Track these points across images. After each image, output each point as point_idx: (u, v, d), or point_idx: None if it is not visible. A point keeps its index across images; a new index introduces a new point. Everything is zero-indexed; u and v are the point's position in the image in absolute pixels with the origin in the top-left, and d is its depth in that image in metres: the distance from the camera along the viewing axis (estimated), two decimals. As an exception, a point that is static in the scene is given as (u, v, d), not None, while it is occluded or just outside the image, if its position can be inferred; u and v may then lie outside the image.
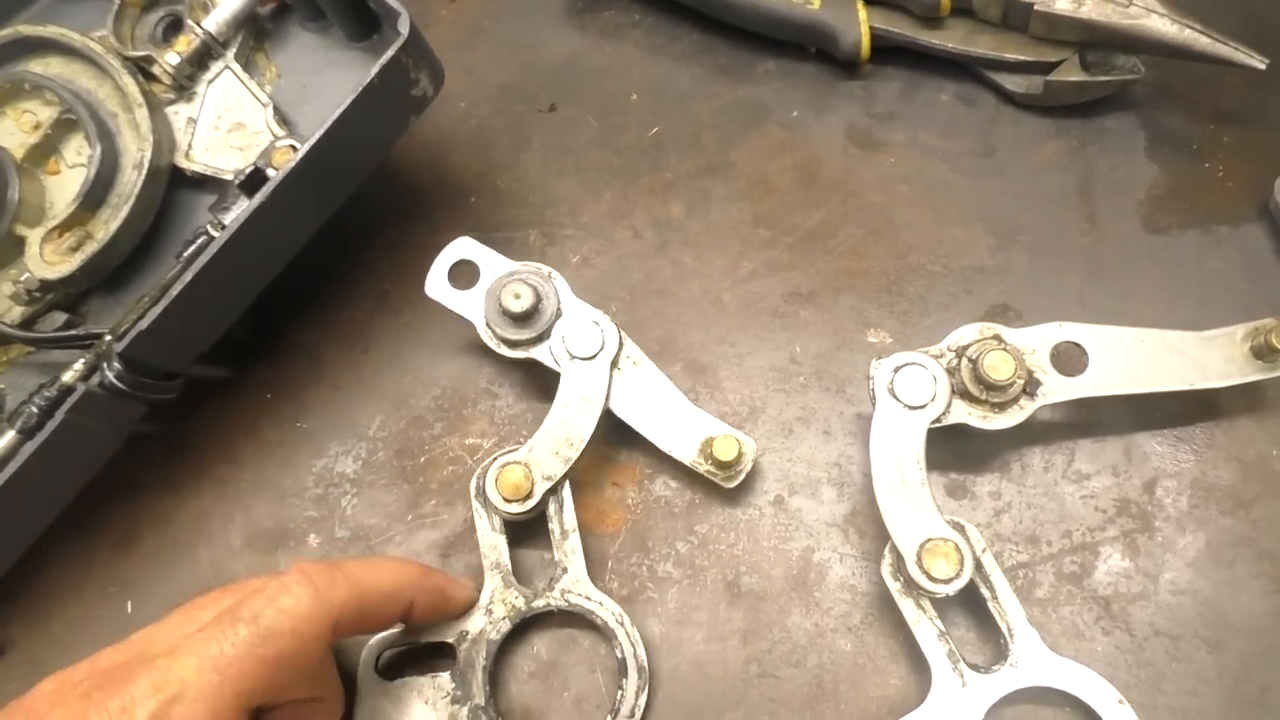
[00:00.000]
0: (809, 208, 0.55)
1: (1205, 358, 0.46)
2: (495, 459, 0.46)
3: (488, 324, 0.48)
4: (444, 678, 0.45)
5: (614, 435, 0.49)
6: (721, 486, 0.48)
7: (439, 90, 0.50)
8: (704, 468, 0.48)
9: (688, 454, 0.48)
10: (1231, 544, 0.46)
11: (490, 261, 0.49)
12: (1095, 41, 0.53)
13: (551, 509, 0.47)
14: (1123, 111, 0.56)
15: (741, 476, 0.48)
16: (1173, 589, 0.45)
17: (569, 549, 0.46)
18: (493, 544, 0.47)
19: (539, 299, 0.48)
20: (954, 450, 0.49)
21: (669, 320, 0.53)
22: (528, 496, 0.46)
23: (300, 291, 0.53)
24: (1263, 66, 0.50)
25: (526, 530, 0.48)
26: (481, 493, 0.47)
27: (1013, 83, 0.56)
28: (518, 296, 0.47)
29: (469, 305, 0.49)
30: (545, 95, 0.60)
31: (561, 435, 0.47)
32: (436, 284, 0.49)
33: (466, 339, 0.51)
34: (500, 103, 0.60)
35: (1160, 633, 0.44)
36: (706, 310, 0.53)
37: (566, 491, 0.47)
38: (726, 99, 0.59)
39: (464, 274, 0.49)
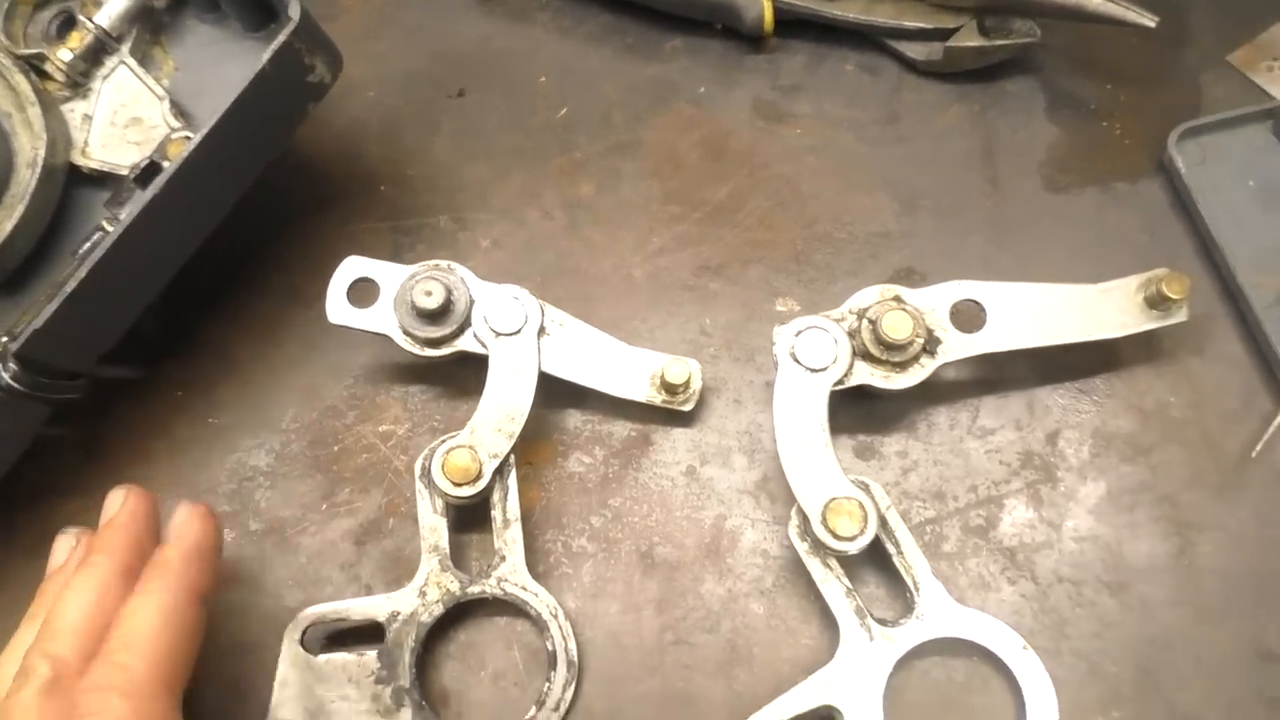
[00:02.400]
0: (717, 182, 0.57)
1: (1101, 310, 0.48)
2: (442, 442, 0.47)
3: (404, 331, 0.50)
4: (370, 656, 0.46)
5: (543, 405, 0.51)
6: (678, 412, 0.51)
7: (337, 76, 0.52)
8: (659, 399, 0.50)
9: (640, 391, 0.50)
10: (1131, 490, 0.48)
11: (386, 272, 0.50)
12: (992, 6, 0.56)
13: (496, 495, 0.48)
14: (1023, 75, 0.58)
15: (695, 398, 0.50)
16: (1075, 536, 0.47)
17: (510, 537, 0.48)
18: (433, 526, 0.48)
19: (449, 291, 0.49)
20: (862, 413, 0.51)
21: (581, 297, 0.55)
22: (477, 478, 0.47)
23: (210, 287, 0.55)
24: (1152, 25, 0.52)
25: (468, 516, 0.49)
26: (426, 475, 0.48)
27: (914, 50, 0.58)
28: (429, 294, 0.49)
29: (377, 320, 0.50)
30: (454, 81, 0.62)
31: (501, 412, 0.48)
32: (338, 309, 0.50)
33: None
34: (410, 90, 0.62)
35: (1064, 579, 0.47)
36: (617, 286, 0.55)
37: (512, 479, 0.48)
38: (635, 78, 0.61)
39: (363, 292, 0.50)
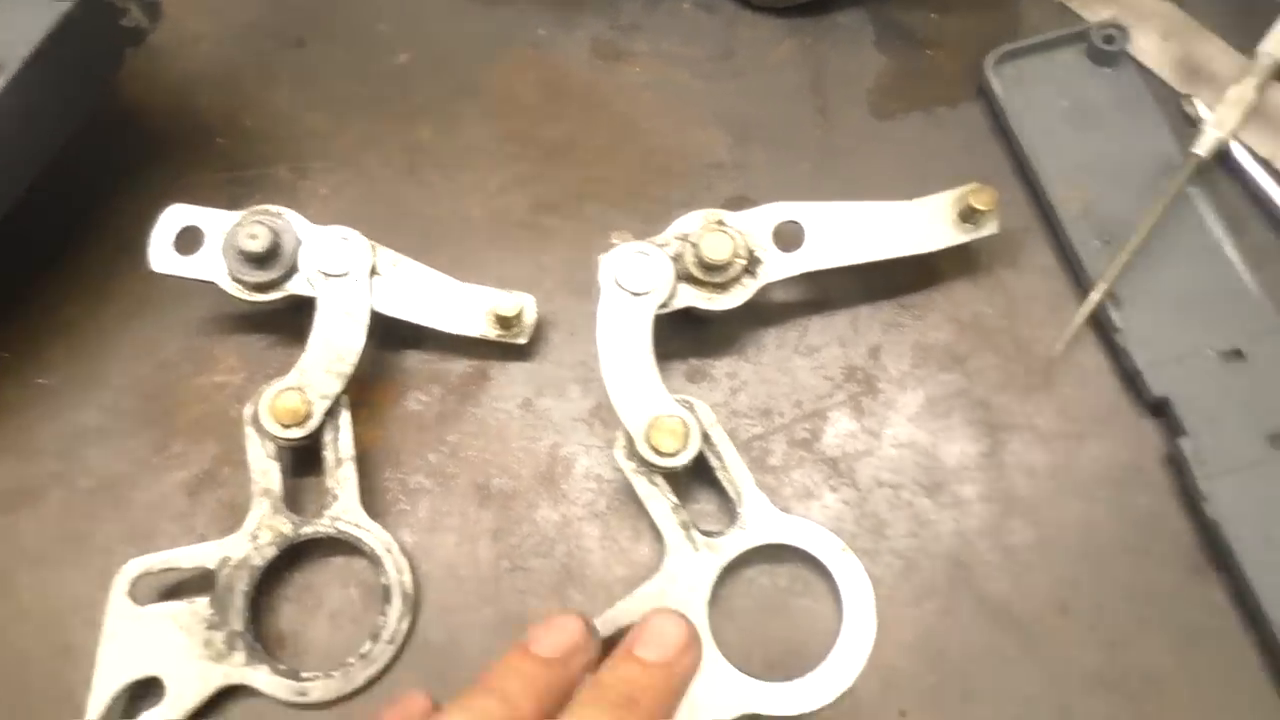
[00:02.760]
0: (555, 121, 0.58)
1: (916, 225, 0.50)
2: (271, 385, 0.48)
3: (232, 277, 0.50)
4: (201, 603, 0.46)
5: (380, 346, 0.52)
6: (514, 345, 0.52)
7: (156, 21, 0.52)
8: (494, 333, 0.51)
9: (475, 327, 0.51)
10: (948, 396, 0.50)
11: (211, 219, 0.50)
12: (816, -59, 0.57)
13: (328, 436, 0.48)
14: (853, 8, 0.60)
15: (529, 332, 0.51)
16: (894, 443, 0.49)
17: (342, 476, 0.48)
18: (264, 470, 0.48)
19: (276, 234, 0.50)
20: (693, 338, 0.52)
21: (421, 240, 0.55)
22: (306, 419, 0.47)
23: (37, 244, 0.54)
24: (964, -47, 0.54)
25: (306, 460, 0.50)
26: (255, 419, 0.48)
27: (746, -14, 0.60)
28: (254, 237, 0.49)
29: (203, 267, 0.50)
30: (293, 31, 0.62)
31: (331, 353, 0.49)
32: (162, 257, 0.50)
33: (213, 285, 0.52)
34: (247, 41, 0.62)
35: (883, 484, 0.48)
36: (456, 227, 0.56)
37: (345, 419, 0.49)
38: (474, 22, 0.62)
39: (189, 240, 0.50)
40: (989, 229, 0.50)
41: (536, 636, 0.40)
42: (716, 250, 0.47)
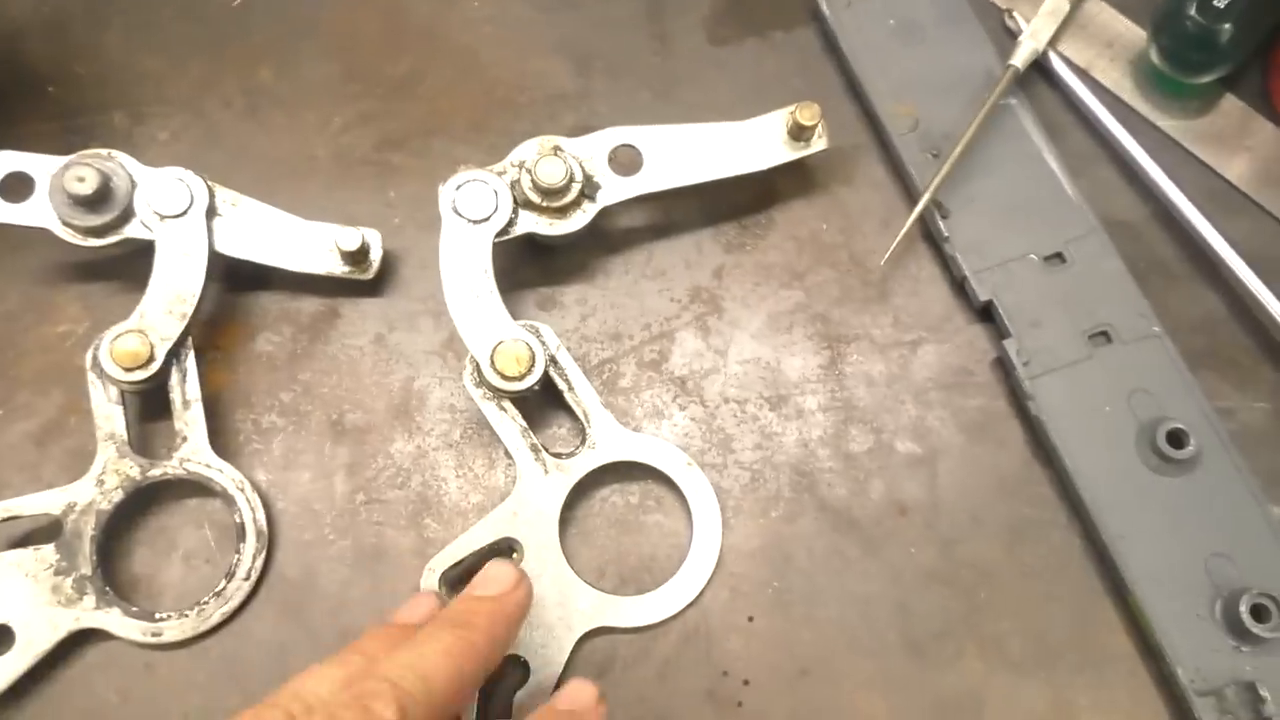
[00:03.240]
0: (397, 57, 0.57)
1: (749, 144, 0.51)
2: (111, 329, 0.47)
3: (64, 222, 0.48)
4: (47, 549, 0.45)
5: (229, 289, 0.51)
6: (362, 281, 0.51)
7: (-33, -32, 0.49)
8: (342, 270, 0.50)
9: (321, 264, 0.50)
10: (789, 312, 0.51)
11: (40, 165, 0.48)
12: None
13: (175, 379, 0.48)
14: (689, -64, 0.60)
15: (375, 267, 0.51)
16: (739, 360, 0.50)
17: (190, 418, 0.48)
18: (107, 415, 0.47)
19: (106, 177, 0.48)
20: (543, 267, 0.52)
21: (265, 182, 0.54)
22: (149, 361, 0.46)
23: None
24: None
25: (156, 404, 0.49)
26: (96, 364, 0.47)
27: (581, -83, 0.59)
28: (81, 180, 0.47)
29: (34, 214, 0.48)
30: (126, -27, 0.60)
31: (171, 294, 0.47)
32: None
33: (50, 233, 0.50)
34: (77, -13, 0.59)
35: (729, 400, 0.49)
36: (300, 168, 0.55)
37: (191, 361, 0.48)
38: (311, -40, 0.60)
39: (17, 186, 0.48)
40: (818, 145, 0.50)
41: (396, 615, 0.41)
42: (551, 175, 0.47)
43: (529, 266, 0.52)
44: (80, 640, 0.44)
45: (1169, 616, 0.43)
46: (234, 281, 0.51)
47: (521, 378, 0.46)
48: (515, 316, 0.47)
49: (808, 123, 0.49)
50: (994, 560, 0.46)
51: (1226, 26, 0.50)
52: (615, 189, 0.49)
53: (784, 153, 0.50)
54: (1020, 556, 0.46)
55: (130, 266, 0.51)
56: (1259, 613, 0.42)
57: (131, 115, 0.56)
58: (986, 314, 0.50)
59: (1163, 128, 0.53)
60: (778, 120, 0.50)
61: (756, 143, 0.50)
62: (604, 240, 0.52)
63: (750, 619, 0.45)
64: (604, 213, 0.49)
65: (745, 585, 0.46)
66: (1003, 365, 0.49)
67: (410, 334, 0.51)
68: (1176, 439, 0.45)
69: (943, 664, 0.44)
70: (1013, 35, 0.55)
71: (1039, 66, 0.54)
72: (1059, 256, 0.50)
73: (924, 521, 0.47)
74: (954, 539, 0.46)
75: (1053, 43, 0.54)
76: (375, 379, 0.50)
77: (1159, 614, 0.43)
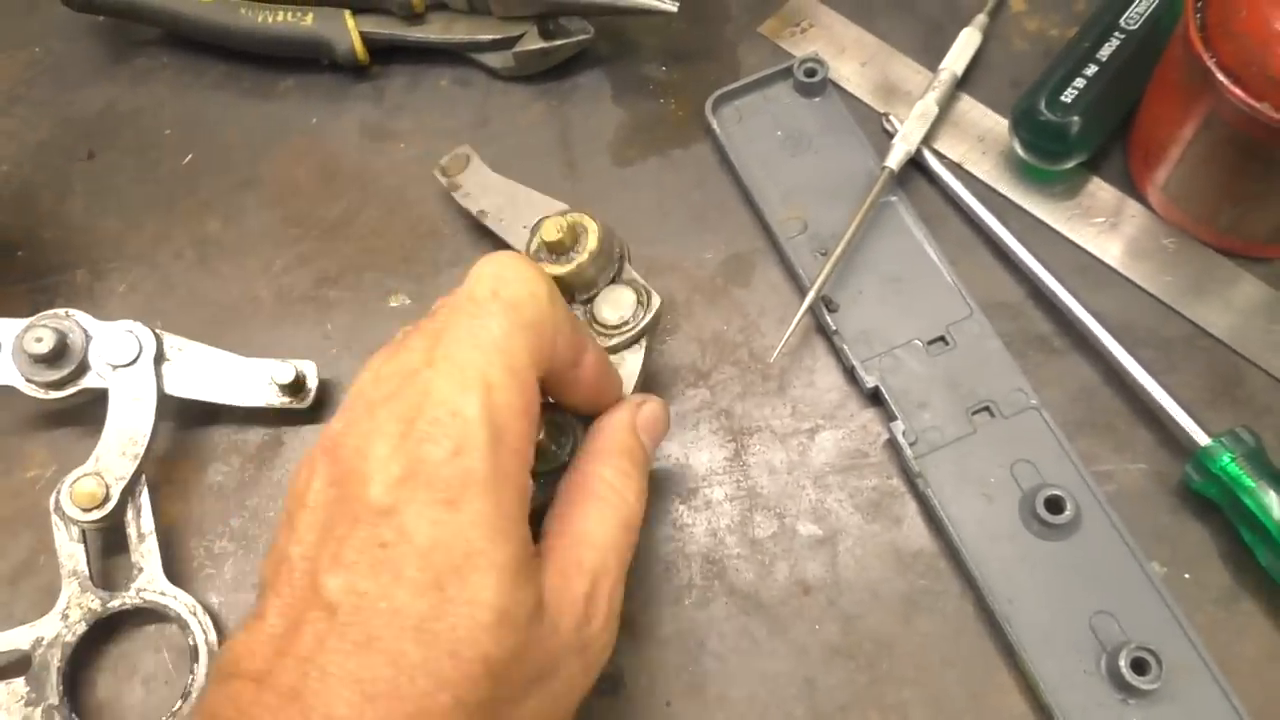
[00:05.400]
0: (331, 201, 0.60)
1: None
2: (71, 474, 0.49)
3: (26, 379, 0.51)
4: (18, 683, 0.47)
5: (181, 426, 0.54)
6: (300, 410, 0.53)
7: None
8: (279, 401, 0.52)
9: (261, 397, 0.52)
10: (695, 410, 0.52)
11: (3, 327, 0.51)
12: (545, 12, 0.60)
13: (130, 514, 0.49)
14: (591, 68, 0.62)
15: (312, 394, 0.52)
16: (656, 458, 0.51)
17: (145, 550, 0.49)
18: (70, 553, 0.49)
19: (62, 334, 0.51)
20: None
21: (213, 325, 0.56)
22: (105, 500, 0.48)
23: None
24: (674, 9, 0.57)
25: (116, 539, 0.50)
26: (58, 507, 0.49)
27: (493, 60, 0.62)
28: (39, 340, 0.50)
29: (1, 373, 0.51)
30: (83, 145, 0.63)
31: (124, 437, 0.49)
32: None
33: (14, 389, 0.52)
34: (41, 159, 0.63)
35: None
36: (245, 309, 0.57)
37: (145, 497, 0.50)
38: (252, 118, 0.63)
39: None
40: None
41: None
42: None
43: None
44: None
45: (1057, 675, 0.44)
46: (185, 419, 0.53)
47: None
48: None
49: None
50: (893, 632, 0.46)
51: (1076, 119, 0.52)
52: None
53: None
54: (917, 627, 0.46)
55: (89, 411, 0.53)
56: (1139, 666, 0.43)
57: (92, 272, 0.58)
58: (876, 399, 0.51)
59: (1033, 213, 0.55)
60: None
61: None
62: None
63: (668, 703, 0.46)
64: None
65: (662, 671, 0.47)
66: (893, 446, 0.50)
67: (349, 455, 0.53)
68: (1055, 504, 0.46)
69: (849, 735, 0.45)
70: (891, 137, 0.57)
71: (916, 164, 0.56)
72: (942, 340, 0.52)
73: (826, 599, 0.47)
74: (855, 614, 0.47)
75: (927, 141, 0.56)
76: (317, 500, 0.52)
77: (1047, 673, 0.44)
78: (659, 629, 0.48)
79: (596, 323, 0.47)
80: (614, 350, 0.47)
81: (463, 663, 0.29)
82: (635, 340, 0.47)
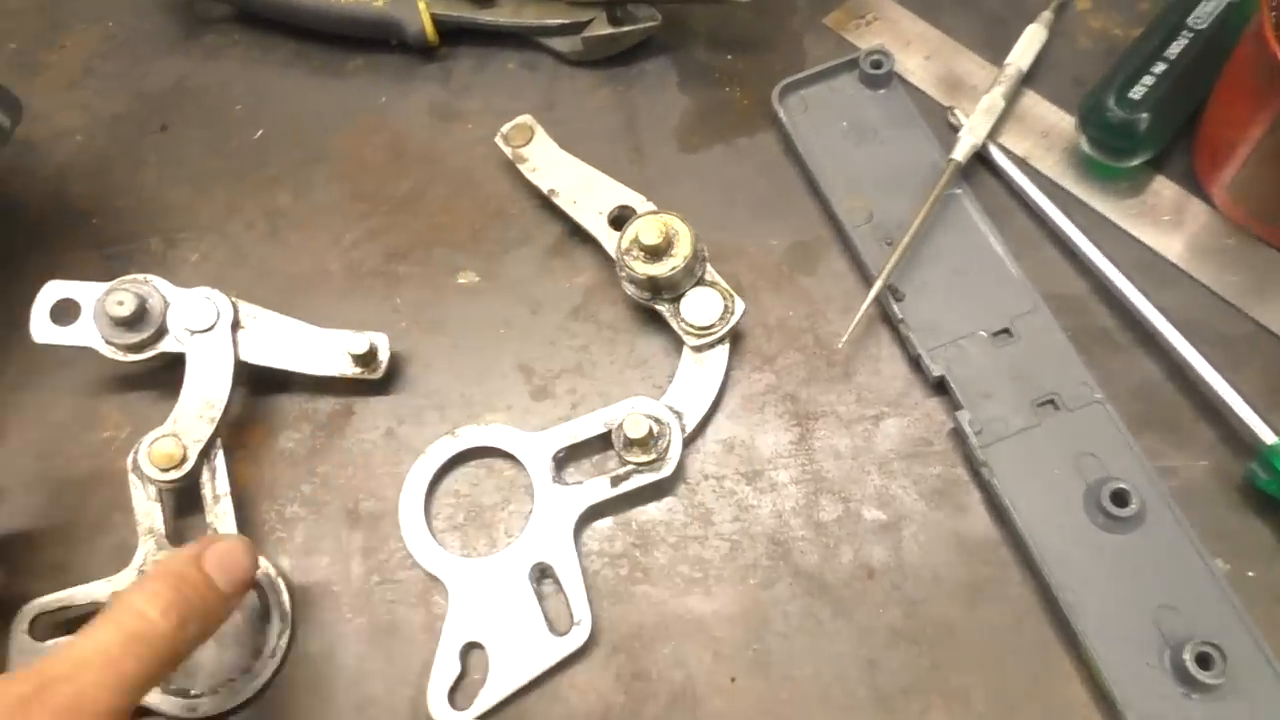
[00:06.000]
0: (400, 178, 0.60)
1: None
2: (149, 435, 0.49)
3: (106, 341, 0.51)
4: None
5: (254, 393, 0.54)
6: (371, 380, 0.53)
7: (17, 121, 0.53)
8: (351, 371, 0.52)
9: (334, 367, 0.52)
10: (761, 393, 0.52)
11: (85, 291, 0.51)
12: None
13: (205, 476, 0.50)
14: (658, 55, 0.62)
15: (383, 367, 0.53)
16: (716, 439, 0.51)
17: (220, 511, 0.50)
18: (146, 511, 0.49)
19: (142, 299, 0.51)
20: (534, 361, 0.54)
21: (284, 295, 0.56)
22: (182, 461, 0.49)
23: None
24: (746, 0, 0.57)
25: (190, 501, 0.51)
26: (136, 466, 0.49)
27: (560, 44, 0.62)
28: (121, 304, 0.50)
29: (82, 335, 0.51)
30: (156, 118, 0.63)
31: (201, 401, 0.50)
32: (42, 329, 0.51)
33: (94, 351, 0.53)
34: (115, 131, 0.63)
35: (708, 476, 0.51)
36: (315, 281, 0.57)
37: (220, 459, 0.50)
38: (322, 96, 0.63)
39: (66, 311, 0.52)
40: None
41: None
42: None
43: (522, 360, 0.53)
44: None
45: (1120, 666, 0.44)
46: (258, 386, 0.54)
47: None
48: (506, 404, 0.49)
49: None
50: (956, 618, 0.46)
51: (1144, 116, 0.52)
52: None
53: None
54: (980, 614, 0.46)
55: (163, 375, 0.53)
56: (1204, 661, 0.43)
57: (166, 240, 0.59)
58: (941, 388, 0.51)
59: (1098, 209, 0.55)
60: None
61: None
62: (590, 333, 0.54)
63: (733, 680, 0.46)
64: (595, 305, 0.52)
65: (727, 648, 0.47)
66: (958, 435, 0.50)
67: (418, 427, 0.53)
68: (1120, 498, 0.46)
69: (911, 718, 0.45)
70: (955, 131, 0.56)
71: (981, 158, 0.56)
72: (1006, 332, 0.51)
73: (890, 583, 0.47)
74: (918, 599, 0.47)
75: (992, 135, 0.56)
76: (386, 469, 0.52)
77: (1110, 663, 0.44)
78: (723, 606, 0.48)
79: (684, 322, 0.49)
80: (699, 349, 0.50)
81: None
82: (720, 341, 0.50)
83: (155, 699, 0.46)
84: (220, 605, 0.41)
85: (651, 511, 0.50)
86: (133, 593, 0.38)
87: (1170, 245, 0.54)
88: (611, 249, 0.53)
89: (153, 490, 0.49)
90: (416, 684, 0.47)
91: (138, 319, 0.51)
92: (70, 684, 0.34)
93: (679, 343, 0.52)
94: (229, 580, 0.41)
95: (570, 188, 0.55)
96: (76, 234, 0.59)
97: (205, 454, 0.50)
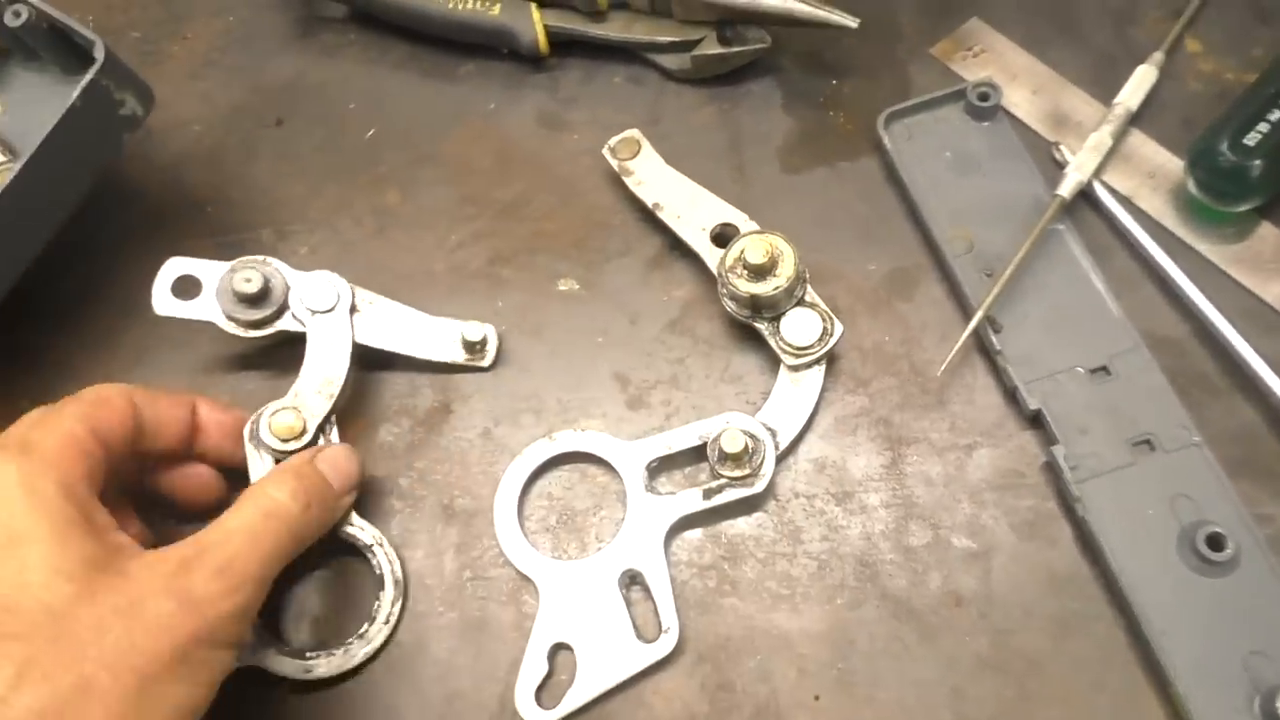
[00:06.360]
0: (506, 184, 0.61)
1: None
2: (269, 406, 0.50)
3: (228, 316, 0.53)
4: None
5: (357, 384, 0.55)
6: (479, 370, 0.55)
7: (149, 109, 0.55)
8: (462, 358, 0.54)
9: (444, 352, 0.54)
10: (854, 415, 0.53)
11: (206, 269, 0.53)
12: (725, 18, 0.60)
13: None
14: (763, 76, 0.63)
15: (492, 355, 0.54)
16: (809, 458, 0.52)
17: None
18: None
19: (267, 279, 0.53)
20: (631, 371, 0.55)
21: (389, 291, 0.57)
22: (301, 433, 0.50)
23: (49, 305, 0.57)
24: (854, 25, 0.57)
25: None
26: (255, 436, 0.50)
27: (669, 61, 0.63)
28: (248, 280, 0.52)
29: (202, 310, 0.53)
30: (272, 112, 0.65)
31: (321, 377, 0.51)
32: (163, 302, 0.53)
33: (207, 332, 0.54)
34: (232, 123, 0.65)
35: (799, 494, 0.51)
36: (421, 280, 0.58)
37: (335, 435, 0.52)
38: (433, 99, 0.65)
39: (187, 287, 0.53)
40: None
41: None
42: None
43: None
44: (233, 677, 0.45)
45: (1209, 710, 0.43)
46: (361, 378, 0.55)
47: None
48: (601, 411, 0.50)
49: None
50: (1043, 651, 0.46)
51: (1258, 162, 0.52)
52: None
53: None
54: (1068, 648, 0.46)
55: (273, 357, 0.55)
56: (1296, 709, 0.42)
57: (277, 232, 0.60)
58: (1036, 421, 0.51)
59: (1202, 252, 0.54)
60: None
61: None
62: (687, 346, 0.54)
63: (816, 697, 0.47)
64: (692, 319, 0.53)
65: (811, 666, 0.47)
66: (1051, 469, 0.50)
67: (514, 429, 0.54)
68: (1216, 542, 0.46)
69: (996, 748, 0.45)
70: (1060, 166, 0.56)
71: (1085, 195, 0.56)
72: (1104, 369, 0.51)
73: (978, 612, 0.47)
74: (1006, 629, 0.47)
75: (1097, 173, 0.56)
76: (482, 468, 0.53)
77: (1199, 707, 0.43)
78: (810, 624, 0.48)
79: (783, 342, 0.49)
80: (796, 369, 0.50)
81: (24, 612, 0.35)
82: (817, 362, 0.50)
83: (272, 660, 0.47)
84: (334, 498, 0.47)
85: (741, 526, 0.50)
86: (264, 482, 0.45)
87: (1273, 291, 0.53)
88: (713, 265, 0.53)
89: (269, 460, 0.50)
90: (504, 681, 0.48)
91: (262, 296, 0.52)
92: (224, 549, 0.40)
93: (774, 361, 0.52)
94: (339, 477, 0.48)
95: (674, 203, 0.56)
96: (192, 222, 0.61)
97: (321, 429, 0.51)
